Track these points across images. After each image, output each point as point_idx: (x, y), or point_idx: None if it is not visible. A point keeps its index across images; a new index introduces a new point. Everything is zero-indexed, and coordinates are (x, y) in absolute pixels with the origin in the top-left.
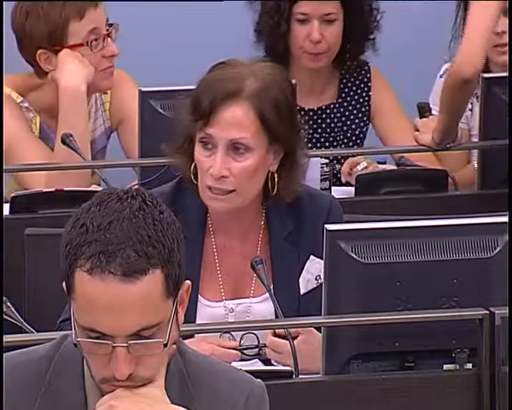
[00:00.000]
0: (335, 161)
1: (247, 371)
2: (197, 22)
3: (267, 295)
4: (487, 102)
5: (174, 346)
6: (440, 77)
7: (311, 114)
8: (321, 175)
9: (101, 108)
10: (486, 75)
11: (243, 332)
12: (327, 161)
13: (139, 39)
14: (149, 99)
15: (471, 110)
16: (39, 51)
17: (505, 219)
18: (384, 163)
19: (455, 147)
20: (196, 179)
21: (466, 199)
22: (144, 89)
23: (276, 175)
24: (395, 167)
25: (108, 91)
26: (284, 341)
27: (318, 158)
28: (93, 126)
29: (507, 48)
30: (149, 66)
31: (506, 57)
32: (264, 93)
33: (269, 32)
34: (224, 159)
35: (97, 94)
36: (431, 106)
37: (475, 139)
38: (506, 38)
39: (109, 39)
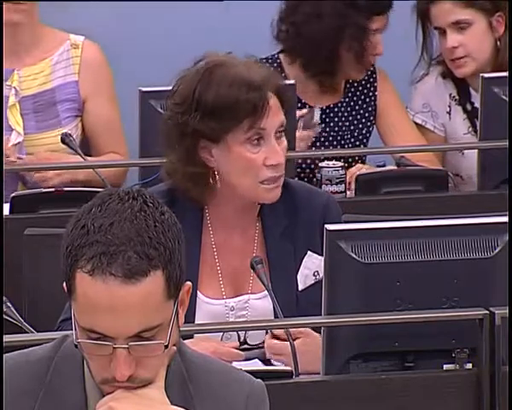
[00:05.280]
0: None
1: (247, 371)
2: (197, 22)
3: (266, 292)
4: (487, 102)
5: (174, 347)
6: (417, 82)
7: (320, 113)
8: (336, 178)
9: (71, 61)
10: (486, 75)
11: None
12: (342, 163)
13: (139, 39)
14: (149, 99)
15: (449, 113)
16: None
17: (505, 219)
18: (384, 166)
19: (454, 147)
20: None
21: (466, 199)
22: (144, 89)
23: None
24: (395, 167)
25: (79, 47)
26: (282, 342)
27: None
28: (51, 77)
29: (461, 61)
30: (149, 66)
31: (463, 70)
32: (275, 78)
33: (328, 35)
34: (279, 145)
35: (66, 46)
36: (408, 110)
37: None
38: (459, 53)
39: None
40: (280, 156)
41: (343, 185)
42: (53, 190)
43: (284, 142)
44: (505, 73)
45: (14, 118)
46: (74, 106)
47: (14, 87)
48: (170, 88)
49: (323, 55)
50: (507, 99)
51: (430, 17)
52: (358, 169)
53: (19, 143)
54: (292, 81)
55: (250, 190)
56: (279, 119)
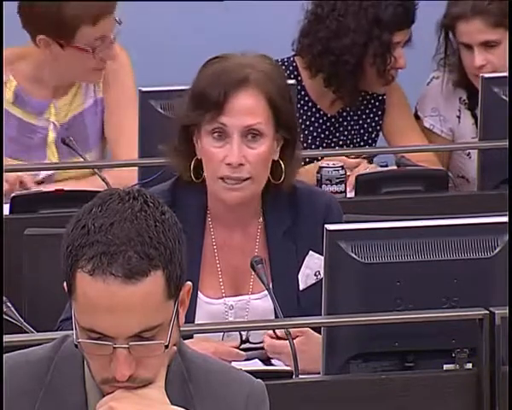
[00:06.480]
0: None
1: (247, 371)
2: (197, 22)
3: (266, 292)
4: (487, 102)
5: (174, 347)
6: (427, 85)
7: (332, 120)
8: (336, 178)
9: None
10: (486, 75)
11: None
12: (342, 163)
13: (139, 39)
14: (149, 99)
15: (459, 117)
16: (40, 37)
17: (505, 219)
18: (386, 166)
19: (454, 147)
20: (196, 177)
21: (466, 199)
22: (144, 89)
23: (281, 162)
24: (395, 167)
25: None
26: (281, 341)
27: None
28: (83, 99)
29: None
30: (149, 66)
31: None
32: (269, 80)
33: (350, 49)
34: (240, 147)
35: None
36: (418, 113)
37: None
38: (486, 70)
39: (112, 45)
40: (234, 157)
41: (343, 185)
42: (53, 190)
43: (256, 147)
44: (505, 73)
45: (51, 152)
46: (99, 126)
47: (53, 122)
48: (170, 88)
49: (347, 71)
50: (507, 99)
51: (456, 32)
52: (363, 168)
53: (49, 175)
54: (292, 81)
55: (211, 185)
56: (247, 121)
